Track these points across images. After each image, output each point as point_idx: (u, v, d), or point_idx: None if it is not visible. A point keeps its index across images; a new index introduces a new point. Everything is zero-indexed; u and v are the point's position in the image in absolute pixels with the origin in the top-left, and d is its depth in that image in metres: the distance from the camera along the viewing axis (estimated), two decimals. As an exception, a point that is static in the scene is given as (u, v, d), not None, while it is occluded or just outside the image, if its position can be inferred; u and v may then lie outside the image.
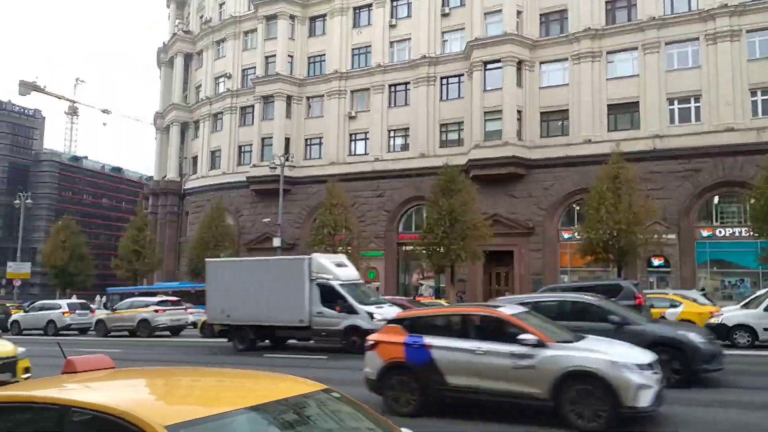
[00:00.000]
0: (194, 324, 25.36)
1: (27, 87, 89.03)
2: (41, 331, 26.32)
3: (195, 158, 50.09)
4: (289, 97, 43.47)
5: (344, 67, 42.02)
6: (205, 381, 3.21)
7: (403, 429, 3.01)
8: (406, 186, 37.98)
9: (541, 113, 34.87)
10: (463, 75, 37.52)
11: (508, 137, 33.61)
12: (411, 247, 34.74)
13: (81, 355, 3.13)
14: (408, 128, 39.38)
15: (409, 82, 39.55)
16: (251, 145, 44.73)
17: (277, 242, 34.79)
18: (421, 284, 38.71)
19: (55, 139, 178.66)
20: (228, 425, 2.35)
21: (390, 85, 40.46)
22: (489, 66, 35.02)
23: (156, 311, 24.46)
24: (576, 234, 29.27)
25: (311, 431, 2.68)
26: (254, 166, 43.14)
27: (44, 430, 2.39)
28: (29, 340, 23.72)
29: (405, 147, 39.56)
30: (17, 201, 49.30)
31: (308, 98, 44.01)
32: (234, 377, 3.30)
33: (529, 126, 34.63)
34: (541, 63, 35.25)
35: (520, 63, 34.67)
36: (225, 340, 18.92)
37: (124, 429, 2.23)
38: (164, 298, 26.95)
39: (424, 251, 30.02)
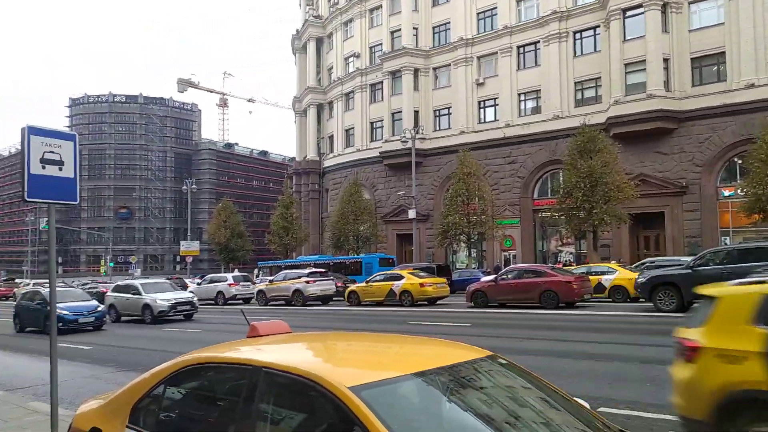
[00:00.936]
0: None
1: (184, 84, 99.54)
2: (212, 302, 29.89)
3: (331, 137, 52.60)
4: (416, 70, 43.74)
5: (470, 33, 41.19)
6: (374, 345, 3.39)
7: (577, 399, 2.89)
8: (539, 150, 36.64)
9: (692, 59, 31.38)
10: (598, 27, 34.93)
11: (653, 89, 30.82)
12: (548, 214, 33.65)
13: (260, 321, 3.62)
14: (539, 90, 37.76)
15: (538, 42, 37.75)
16: (382, 120, 45.90)
17: (412, 214, 35.67)
18: (560, 251, 37.42)
19: (210, 129, 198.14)
20: (400, 389, 2.46)
21: (518, 47, 38.95)
22: (629, 13, 32.19)
23: (307, 282, 26.45)
24: (739, 191, 26.33)
25: (479, 399, 2.60)
26: (386, 141, 44.28)
27: (242, 387, 2.69)
28: (204, 309, 27.15)
29: (536, 110, 38.03)
30: (184, 187, 55.81)
31: (435, 69, 43.90)
32: (402, 342, 3.45)
33: (678, 75, 31.40)
34: (690, 3, 31.59)
35: (664, 6, 31.40)
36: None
37: (310, 388, 2.42)
38: (313, 270, 28.97)
39: (562, 216, 28.96)
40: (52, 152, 6.20)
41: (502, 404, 2.62)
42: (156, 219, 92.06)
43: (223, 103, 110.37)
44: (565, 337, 12.73)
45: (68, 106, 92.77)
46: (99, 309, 19.89)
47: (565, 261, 35.17)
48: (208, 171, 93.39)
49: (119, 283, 27.11)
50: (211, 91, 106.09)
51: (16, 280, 61.32)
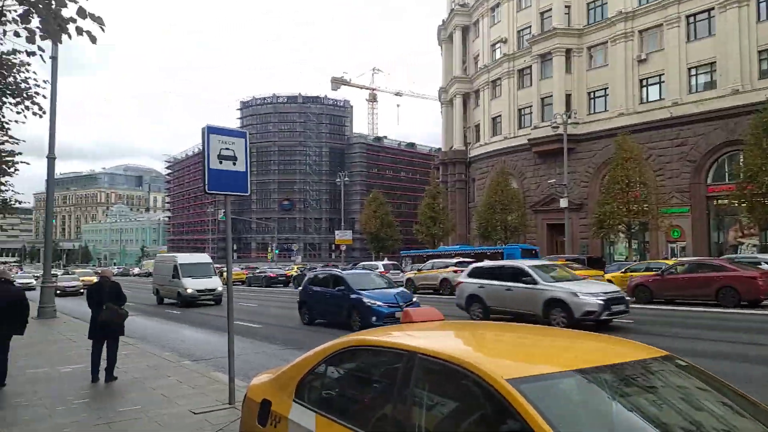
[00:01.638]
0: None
1: (337, 82, 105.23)
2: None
3: (477, 126, 51.92)
4: (567, 51, 41.37)
5: (630, 6, 37.85)
6: (529, 337, 3.23)
7: None
8: (714, 130, 32.58)
9: None
10: (790, -17, 30.05)
11: None
12: (725, 201, 29.87)
13: (415, 307, 3.72)
14: (713, 63, 33.53)
15: (712, 8, 33.50)
16: (530, 106, 44.21)
17: (563, 203, 33.92)
18: (740, 243, 33.02)
19: (360, 124, 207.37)
20: (561, 385, 2.33)
21: (688, 17, 34.92)
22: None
23: (455, 271, 26.44)
24: None
25: (653, 403, 2.35)
26: (535, 127, 42.58)
27: (396, 371, 2.73)
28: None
29: (710, 85, 33.84)
30: (338, 180, 59.10)
31: (589, 48, 41.10)
32: (559, 336, 3.30)
33: None
34: None
35: None
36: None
37: (466, 377, 2.37)
38: (461, 259, 28.89)
39: (743, 204, 25.51)
40: (227, 149, 6.89)
41: (680, 411, 2.35)
42: (313, 210, 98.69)
43: (373, 98, 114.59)
44: (753, 339, 11.23)
45: (239, 109, 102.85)
46: (414, 299, 15.38)
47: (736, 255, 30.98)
48: (359, 164, 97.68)
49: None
50: (362, 88, 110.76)
51: None
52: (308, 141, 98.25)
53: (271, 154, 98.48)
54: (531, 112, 44.15)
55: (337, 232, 60.09)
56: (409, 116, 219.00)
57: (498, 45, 48.47)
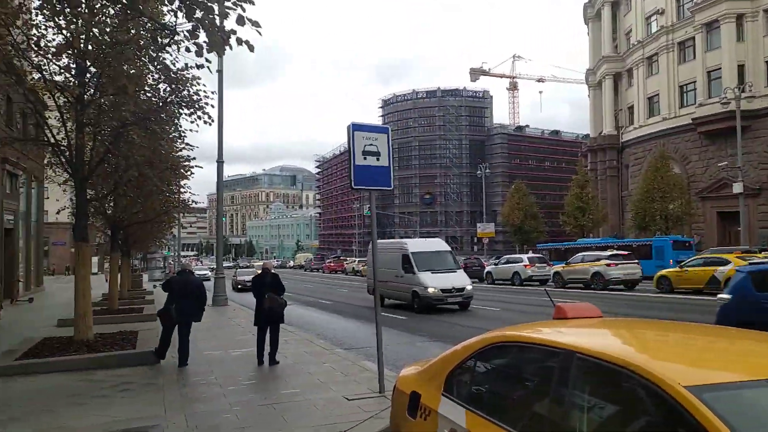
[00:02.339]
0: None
1: (476, 73, 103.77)
2: (509, 281, 30.54)
3: (630, 108, 47.93)
4: (739, 17, 36.47)
5: (821, -45, 32.31)
6: (702, 338, 2.85)
7: None
8: None
9: None
10: None
11: None
12: None
13: (567, 302, 3.44)
14: None
15: None
16: (694, 82, 39.77)
17: (737, 188, 29.99)
18: None
19: (501, 114, 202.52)
20: (755, 397, 2.02)
21: None
22: None
23: (608, 265, 24.74)
24: None
25: None
26: (700, 105, 38.22)
27: (551, 371, 2.56)
28: (500, 288, 27.91)
29: None
30: (479, 172, 58.33)
31: (766, 11, 35.82)
32: (742, 338, 2.81)
33: None
34: None
35: None
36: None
37: (631, 381, 2.16)
38: (615, 252, 26.99)
39: None
40: (371, 144, 7.09)
41: None
42: (454, 203, 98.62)
43: (513, 87, 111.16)
44: None
45: (380, 107, 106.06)
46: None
47: None
48: (500, 155, 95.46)
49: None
50: (502, 76, 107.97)
51: (341, 258, 73.08)
52: (448, 134, 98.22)
53: (411, 149, 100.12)
54: (695, 89, 39.72)
55: (478, 224, 59.41)
56: (552, 103, 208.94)
57: (654, 17, 44.23)
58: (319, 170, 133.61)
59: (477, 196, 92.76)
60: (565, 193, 49.96)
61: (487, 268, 34.09)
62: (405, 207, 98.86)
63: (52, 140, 10.27)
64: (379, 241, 11.62)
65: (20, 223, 29.97)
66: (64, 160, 10.41)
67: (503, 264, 32.61)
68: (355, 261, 58.10)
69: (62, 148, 10.28)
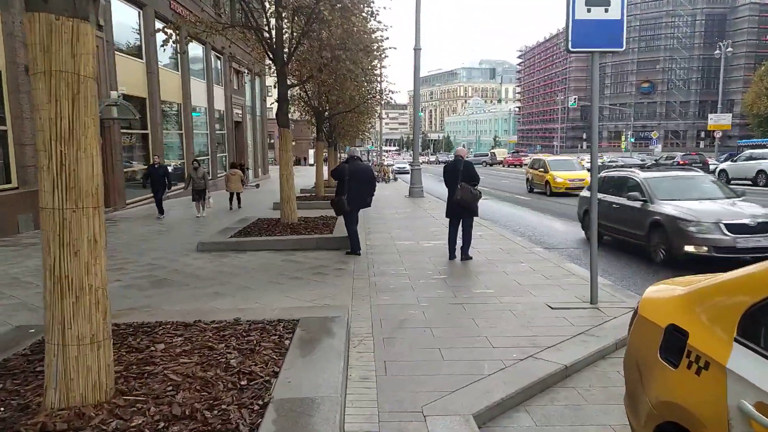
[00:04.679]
0: None
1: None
2: (749, 182, 25.45)
3: None
4: None
5: None
6: None
7: None
8: None
9: None
10: None
11: None
12: None
13: None
14: None
15: None
16: None
17: None
18: None
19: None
20: None
21: None
22: None
23: None
24: None
25: None
26: None
27: None
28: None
29: None
30: (717, 51, 48.39)
31: None
32: None
33: None
34: None
35: None
36: None
37: None
38: None
39: None
40: (601, -14, 5.40)
41: None
42: (679, 92, 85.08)
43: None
44: None
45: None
46: None
47: None
48: (746, 31, 78.04)
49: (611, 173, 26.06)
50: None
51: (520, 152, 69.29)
52: (679, 8, 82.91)
53: (629, 30, 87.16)
54: None
55: (711, 115, 50.22)
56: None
57: None
58: (521, 61, 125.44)
59: (709, 84, 78.89)
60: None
61: (721, 166, 28.88)
62: (617, 97, 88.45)
63: (254, 24, 10.28)
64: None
65: (247, 117, 33.37)
66: (266, 46, 10.42)
67: (744, 160, 27.17)
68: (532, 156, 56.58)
69: (264, 32, 10.25)
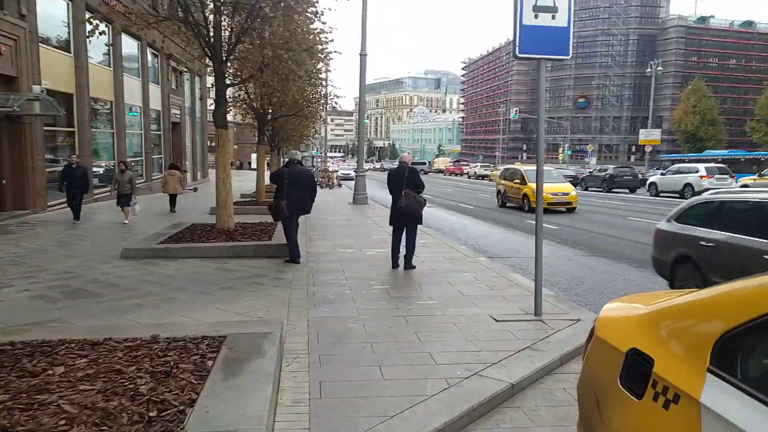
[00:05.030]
0: None
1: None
2: (676, 195, 26.63)
3: None
4: None
5: None
6: None
7: None
8: None
9: None
10: None
11: None
12: None
13: None
14: None
15: None
16: None
17: None
18: None
19: (679, 2, 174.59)
20: None
21: None
22: None
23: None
24: None
25: None
26: None
27: None
28: (670, 202, 24.45)
29: None
30: (648, 70, 50.88)
31: None
32: None
33: None
34: None
35: None
36: None
37: None
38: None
39: None
40: (548, -9, 5.29)
41: None
42: (613, 108, 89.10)
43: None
44: None
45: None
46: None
47: None
48: (674, 52, 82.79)
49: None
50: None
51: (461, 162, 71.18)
52: (613, 28, 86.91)
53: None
54: None
55: (642, 130, 52.76)
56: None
57: None
58: (465, 73, 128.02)
59: (640, 101, 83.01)
60: (756, 97, 41.83)
61: (651, 179, 30.21)
62: (555, 111, 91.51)
63: (192, 19, 9.70)
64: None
65: (186, 118, 32.10)
66: (203, 42, 9.86)
67: (672, 174, 28.49)
68: (477, 166, 60.68)
69: (201, 27, 9.68)
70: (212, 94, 11.55)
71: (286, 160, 8.87)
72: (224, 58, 9.99)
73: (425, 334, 5.15)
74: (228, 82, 10.76)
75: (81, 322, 5.27)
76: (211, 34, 9.83)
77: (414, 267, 8.22)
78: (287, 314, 5.68)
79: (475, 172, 56.49)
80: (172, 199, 16.52)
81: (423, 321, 5.58)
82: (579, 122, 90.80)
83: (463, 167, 64.87)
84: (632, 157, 78.80)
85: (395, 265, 8.30)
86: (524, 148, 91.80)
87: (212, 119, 10.95)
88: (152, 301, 6.15)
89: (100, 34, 9.22)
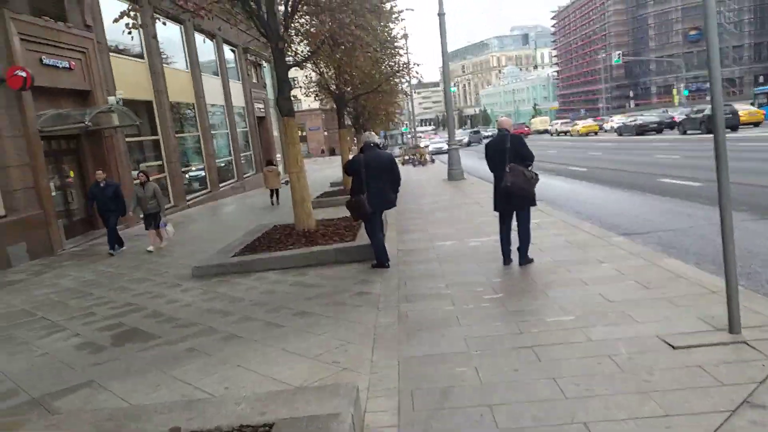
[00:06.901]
0: None
1: None
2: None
3: None
4: None
5: None
6: None
7: None
8: None
9: None
10: None
11: None
12: None
13: None
14: None
15: None
16: None
17: None
18: None
19: None
20: None
21: None
22: None
23: None
24: None
25: None
26: None
27: None
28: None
29: None
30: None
31: None
32: None
33: None
34: None
35: None
36: None
37: None
38: None
39: None
40: None
41: None
42: (731, 36, 78.70)
43: None
44: None
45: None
46: None
47: None
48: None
49: None
50: None
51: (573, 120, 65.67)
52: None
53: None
54: None
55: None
56: None
57: None
58: (555, 22, 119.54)
59: (764, 23, 72.57)
60: None
61: None
62: (662, 49, 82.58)
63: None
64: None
65: (271, 111, 31.82)
66: (256, 20, 8.62)
67: None
68: (557, 123, 60.19)
69: (250, 1, 8.44)
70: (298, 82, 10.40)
71: (362, 144, 7.36)
72: (281, 35, 8.69)
73: (569, 381, 3.46)
74: (290, 62, 9.47)
75: (115, 386, 4.17)
76: (264, 9, 8.55)
77: (532, 260, 6.47)
78: (371, 357, 4.22)
79: (556, 129, 58.07)
80: (275, 193, 17.11)
81: (561, 355, 3.88)
82: (693, 57, 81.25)
83: (525, 128, 65.68)
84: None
85: (507, 260, 6.58)
86: (631, 95, 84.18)
87: (299, 109, 9.75)
88: (208, 342, 4.97)
89: (134, 28, 8.25)
